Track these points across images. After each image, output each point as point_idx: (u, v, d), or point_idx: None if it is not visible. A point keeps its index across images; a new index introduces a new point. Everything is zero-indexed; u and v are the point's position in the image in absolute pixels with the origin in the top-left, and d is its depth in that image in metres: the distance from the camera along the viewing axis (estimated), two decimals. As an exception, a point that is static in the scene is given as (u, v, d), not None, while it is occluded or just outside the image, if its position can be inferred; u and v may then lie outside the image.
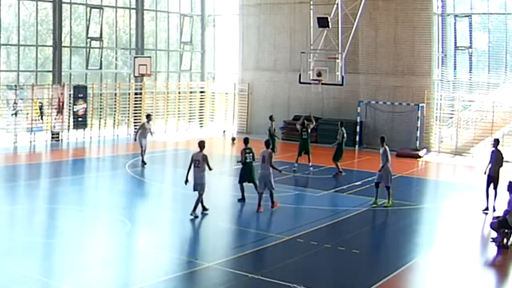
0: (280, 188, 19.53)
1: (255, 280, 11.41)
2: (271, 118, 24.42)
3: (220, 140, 32.18)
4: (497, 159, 17.47)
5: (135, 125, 32.14)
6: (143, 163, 22.76)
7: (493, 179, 17.39)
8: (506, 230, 14.02)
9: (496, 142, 17.87)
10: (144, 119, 25.33)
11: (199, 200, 15.68)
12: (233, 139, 31.28)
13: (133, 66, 31.13)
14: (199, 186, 15.61)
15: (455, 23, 29.24)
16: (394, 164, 25.29)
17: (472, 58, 28.98)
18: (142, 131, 23.08)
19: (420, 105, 28.89)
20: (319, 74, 26.89)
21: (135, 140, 23.61)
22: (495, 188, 17.34)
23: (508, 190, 14.24)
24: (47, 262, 12.47)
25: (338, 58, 26.71)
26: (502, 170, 17.57)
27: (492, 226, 14.27)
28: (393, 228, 15.57)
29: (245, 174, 17.45)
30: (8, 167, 22.25)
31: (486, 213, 17.21)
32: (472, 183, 22.35)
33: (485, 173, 17.58)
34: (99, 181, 21.38)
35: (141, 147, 22.93)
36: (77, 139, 29.26)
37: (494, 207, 17.22)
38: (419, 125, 28.89)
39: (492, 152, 17.72)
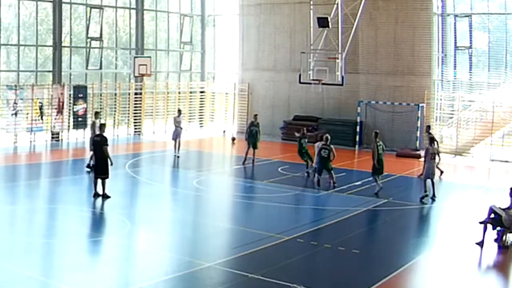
0: (280, 188, 19.59)
1: (255, 280, 11.40)
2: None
3: (220, 140, 32.18)
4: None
5: (135, 125, 32.18)
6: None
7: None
8: (499, 228, 14.03)
9: (428, 127, 23.95)
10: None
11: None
12: (233, 139, 31.20)
13: (133, 66, 31.10)
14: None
15: (455, 23, 29.24)
16: (394, 164, 25.37)
17: (472, 58, 28.96)
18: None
19: (420, 105, 28.87)
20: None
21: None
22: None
23: (510, 195, 14.16)
24: (47, 262, 12.46)
25: (338, 58, 26.70)
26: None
27: (485, 222, 14.10)
28: (393, 228, 15.56)
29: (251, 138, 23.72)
30: (8, 167, 22.24)
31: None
32: (472, 183, 22.35)
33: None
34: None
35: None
36: (77, 139, 29.23)
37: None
38: (419, 125, 28.87)
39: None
